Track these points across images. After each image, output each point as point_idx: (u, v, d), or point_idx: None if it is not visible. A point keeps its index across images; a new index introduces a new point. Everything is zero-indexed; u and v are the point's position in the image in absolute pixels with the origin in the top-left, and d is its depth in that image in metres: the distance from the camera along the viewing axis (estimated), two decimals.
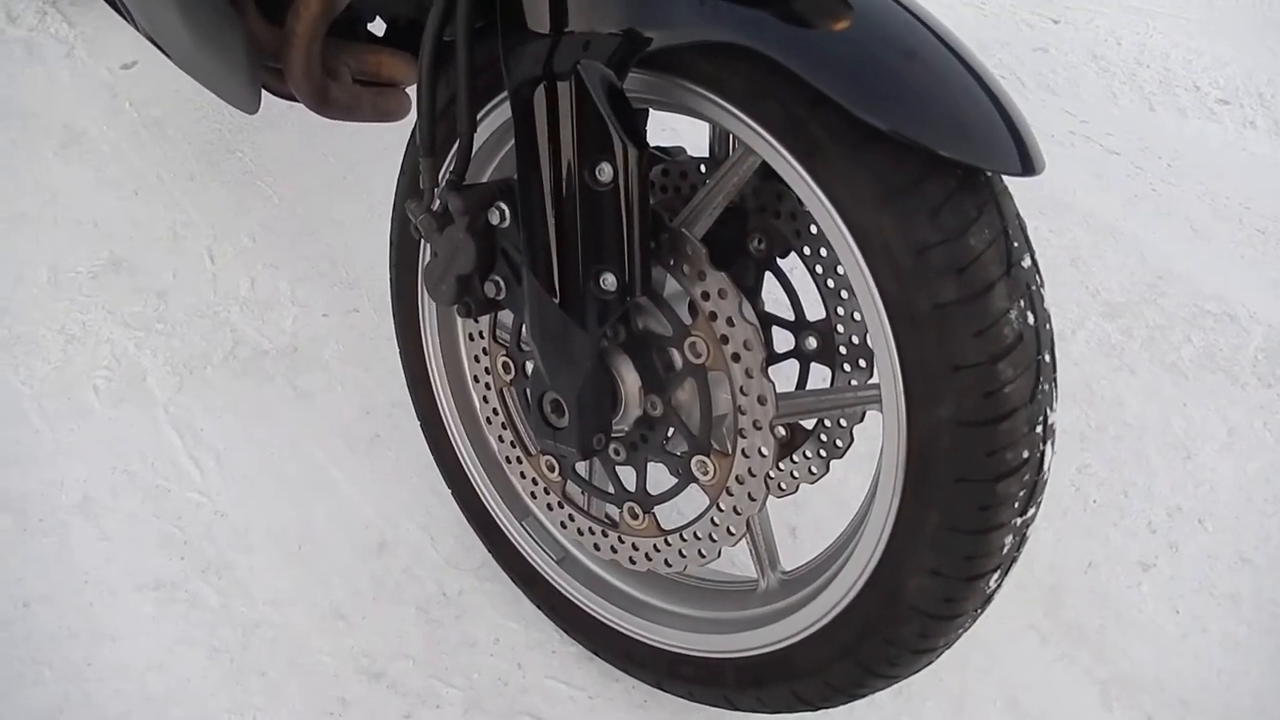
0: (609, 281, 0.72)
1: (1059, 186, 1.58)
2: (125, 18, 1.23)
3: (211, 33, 1.00)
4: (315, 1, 1.02)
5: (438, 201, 0.83)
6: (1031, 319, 0.65)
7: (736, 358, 0.74)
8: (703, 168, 0.89)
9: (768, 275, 0.92)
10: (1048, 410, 0.67)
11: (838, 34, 0.66)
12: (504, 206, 0.78)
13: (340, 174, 1.58)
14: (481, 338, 0.93)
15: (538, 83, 0.69)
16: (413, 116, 1.20)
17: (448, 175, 0.82)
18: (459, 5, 0.78)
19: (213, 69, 1.06)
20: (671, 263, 0.76)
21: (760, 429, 0.75)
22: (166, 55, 1.17)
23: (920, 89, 0.65)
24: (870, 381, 0.85)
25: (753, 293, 0.92)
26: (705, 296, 0.74)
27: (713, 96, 0.70)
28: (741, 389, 0.74)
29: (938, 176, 0.64)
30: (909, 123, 0.63)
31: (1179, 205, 1.59)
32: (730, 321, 0.73)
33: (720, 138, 0.89)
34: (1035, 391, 0.65)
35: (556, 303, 0.75)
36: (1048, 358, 0.67)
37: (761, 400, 0.74)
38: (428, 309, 1.01)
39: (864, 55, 0.65)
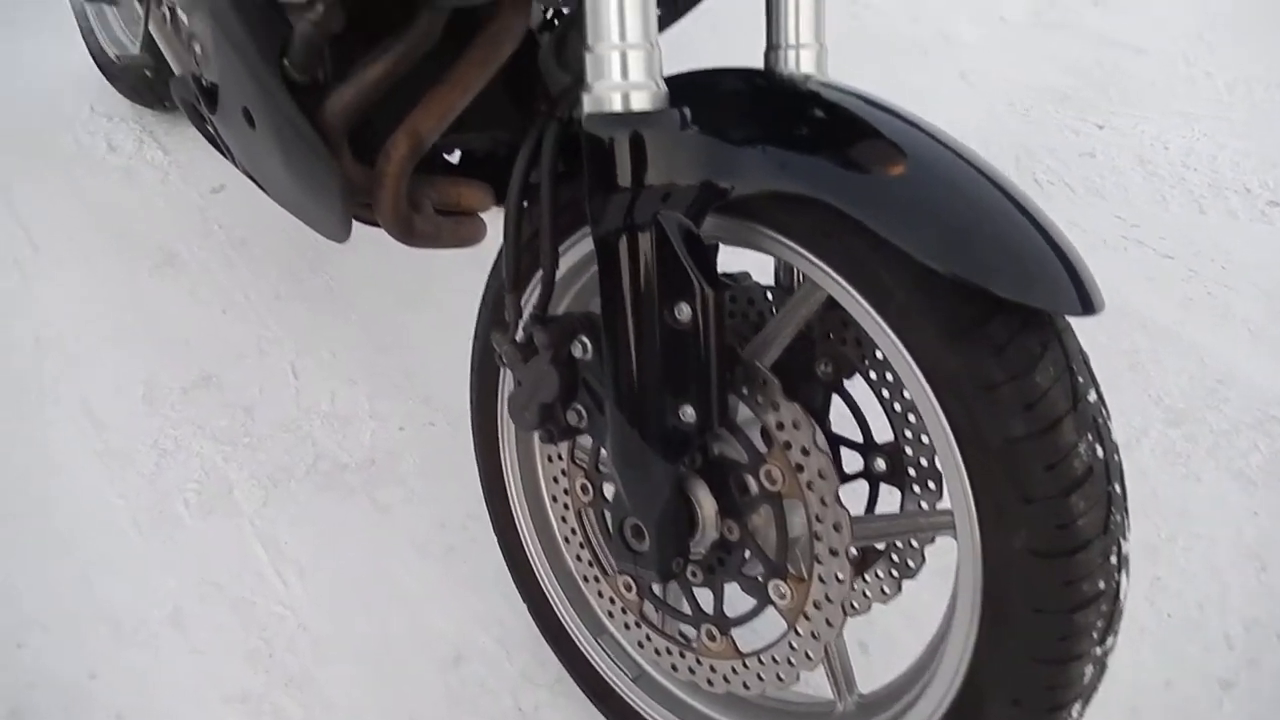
0: (688, 414, 0.76)
1: (1114, 292, 1.57)
2: (223, 154, 1.34)
3: (309, 174, 1.08)
4: (404, 144, 1.10)
5: (521, 333, 0.88)
6: (1100, 451, 0.68)
7: (811, 486, 0.77)
8: (769, 295, 0.94)
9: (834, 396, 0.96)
10: (1121, 541, 0.68)
11: (896, 179, 0.71)
12: (586, 340, 0.83)
13: (414, 292, 1.66)
14: (560, 459, 0.97)
15: (621, 232, 0.74)
16: (486, 242, 1.29)
17: (530, 308, 0.88)
18: (544, 154, 0.85)
19: (307, 205, 1.15)
20: (745, 392, 0.80)
21: (836, 555, 0.77)
22: (261, 189, 1.27)
23: (978, 232, 0.69)
24: (941, 506, 0.87)
25: (821, 415, 0.95)
26: (779, 426, 0.77)
27: (783, 239, 0.75)
28: (817, 516, 0.77)
29: (1002, 316, 0.67)
30: (970, 267, 0.67)
31: (1236, 308, 1.60)
32: (804, 451, 0.76)
33: (786, 268, 0.93)
34: (1108, 523, 0.67)
35: (638, 434, 0.79)
36: (1118, 489, 0.69)
37: (837, 527, 0.76)
38: (507, 430, 1.05)
39: (922, 200, 0.70)
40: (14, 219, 1.80)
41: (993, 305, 0.67)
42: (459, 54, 1.11)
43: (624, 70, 0.72)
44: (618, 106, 0.73)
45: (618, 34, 0.72)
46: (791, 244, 0.75)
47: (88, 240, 1.77)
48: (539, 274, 0.89)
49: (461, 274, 1.45)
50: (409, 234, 1.17)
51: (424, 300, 1.65)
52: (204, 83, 1.29)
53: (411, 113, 1.10)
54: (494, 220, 1.31)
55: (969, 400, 0.67)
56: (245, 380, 1.51)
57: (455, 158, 1.33)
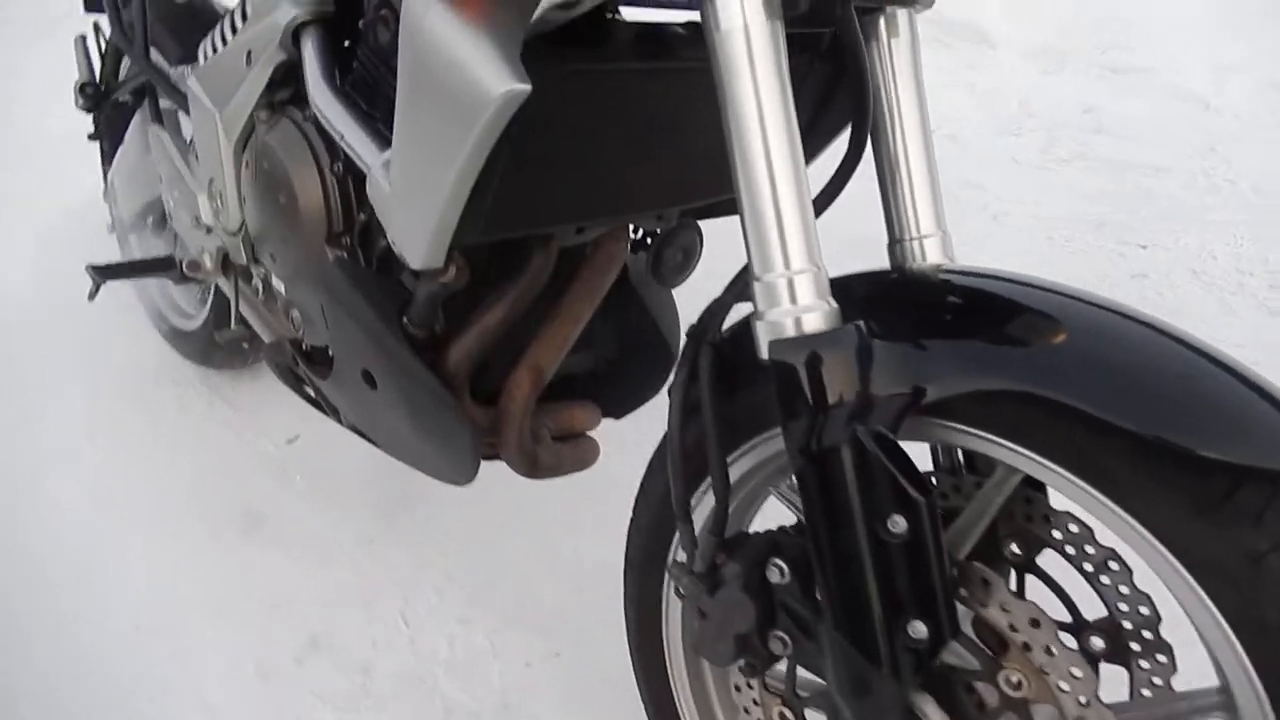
0: (919, 630, 0.72)
1: None
2: (324, 411, 1.34)
3: (437, 427, 1.07)
4: (526, 382, 1.11)
5: (701, 562, 0.85)
6: None
7: (1064, 687, 0.72)
8: (957, 485, 0.91)
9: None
10: None
11: (1093, 357, 0.70)
12: (781, 563, 0.80)
13: (508, 515, 1.63)
14: (750, 688, 0.92)
15: (822, 453, 0.73)
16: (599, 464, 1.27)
17: (706, 534, 0.86)
18: (702, 378, 0.85)
19: (432, 455, 1.13)
20: (966, 594, 0.76)
21: None
22: (373, 443, 1.26)
23: (1195, 400, 0.68)
24: (1206, 686, 0.81)
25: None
26: (1013, 628, 0.73)
27: (981, 434, 0.74)
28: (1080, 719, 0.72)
29: (1251, 483, 0.65)
30: (1204, 440, 0.65)
31: None
32: (1049, 650, 0.72)
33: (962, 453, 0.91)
34: None
35: (864, 658, 0.74)
36: None
37: None
38: (676, 664, 1.00)
39: (1126, 372, 0.69)
40: (91, 502, 1.79)
41: (1237, 473, 0.64)
42: (566, 286, 1.13)
43: (794, 295, 0.73)
44: (791, 331, 0.73)
45: (782, 263, 0.73)
46: (992, 437, 0.73)
47: (172, 512, 1.75)
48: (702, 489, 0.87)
49: (549, 494, 1.43)
50: (534, 468, 1.16)
51: (518, 526, 1.62)
52: (305, 348, 1.31)
53: (530, 349, 1.12)
54: (600, 436, 1.31)
55: (1235, 577, 0.64)
56: (356, 636, 1.46)
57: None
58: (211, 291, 1.81)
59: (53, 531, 1.69)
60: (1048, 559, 0.89)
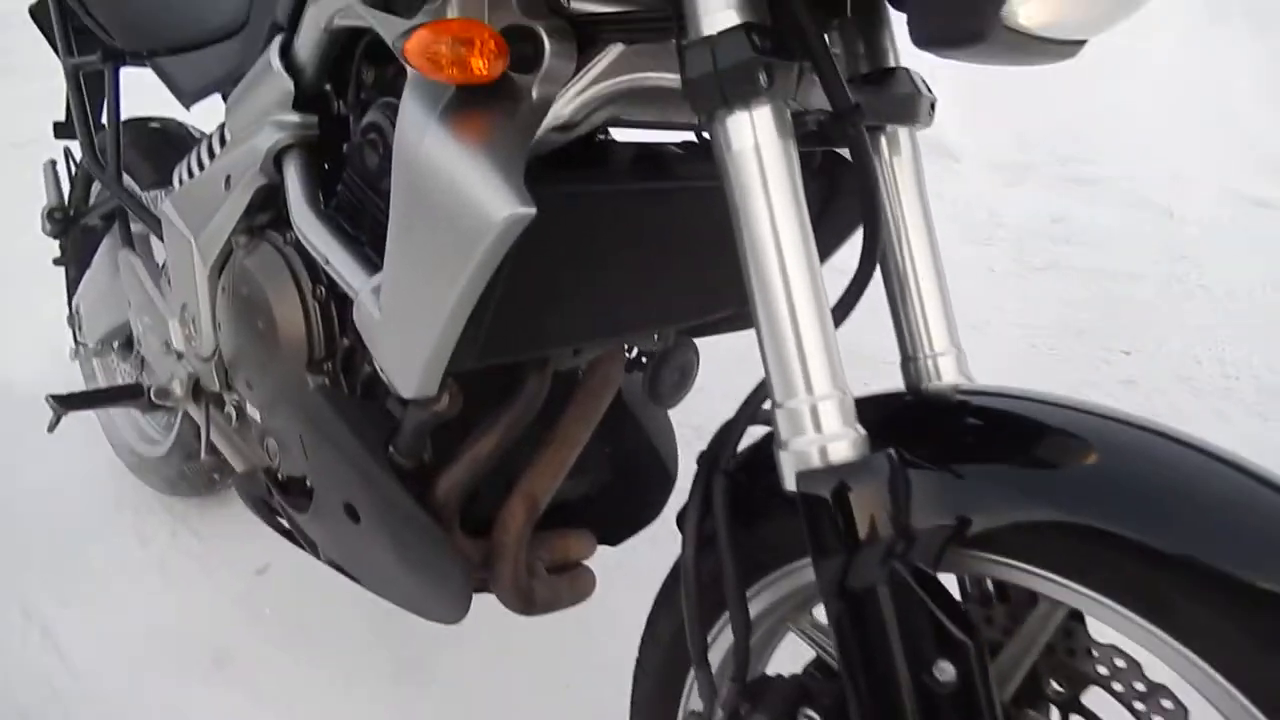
0: None
1: None
2: (300, 545, 1.26)
3: (425, 563, 1.00)
4: (521, 512, 1.05)
5: (722, 712, 0.78)
6: None
7: None
8: (991, 621, 0.86)
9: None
10: None
11: (1146, 485, 0.66)
12: (813, 714, 0.74)
13: (495, 651, 1.54)
14: None
15: (858, 593, 0.67)
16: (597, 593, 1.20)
17: (727, 679, 0.79)
18: (717, 511, 0.80)
19: (417, 592, 1.06)
20: None
21: None
22: (353, 579, 1.18)
23: (1246, 523, 0.64)
24: None
25: None
26: None
27: (1025, 566, 0.69)
28: None
29: None
30: (1263, 569, 0.61)
31: None
32: None
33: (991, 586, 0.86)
34: None
35: None
36: None
37: None
38: None
39: (1184, 504, 0.65)
40: (48, 645, 1.66)
41: None
42: (561, 410, 1.08)
43: (819, 423, 0.69)
44: (817, 460, 0.69)
45: (804, 388, 0.69)
46: (1037, 570, 0.68)
47: (133, 654, 1.63)
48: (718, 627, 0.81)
49: (540, 627, 1.34)
50: (530, 605, 1.09)
51: (506, 664, 1.52)
52: (280, 478, 1.24)
53: (523, 476, 1.06)
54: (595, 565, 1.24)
55: None
56: None
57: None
58: (179, 417, 1.74)
59: (3, 673, 1.57)
60: (1093, 696, 0.83)
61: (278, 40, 1.05)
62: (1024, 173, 2.70)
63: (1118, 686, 0.82)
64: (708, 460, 0.82)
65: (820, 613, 0.87)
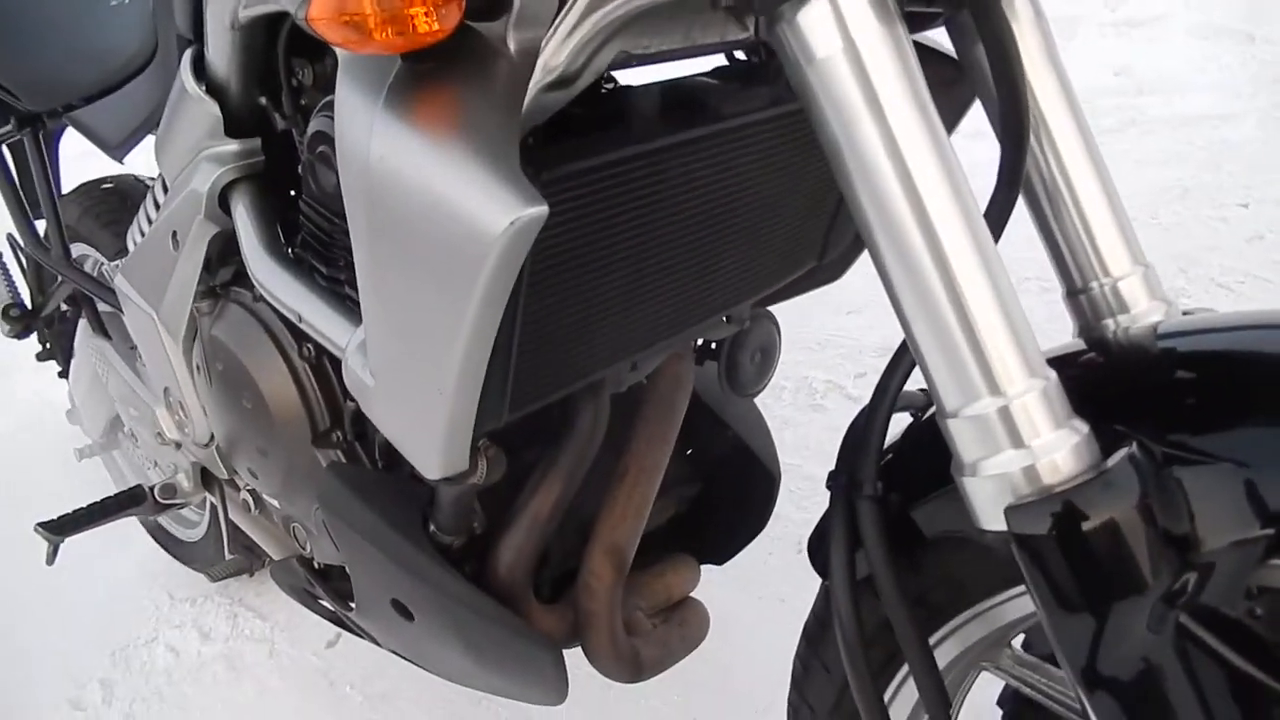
0: None
1: None
2: (358, 634, 1.08)
3: (502, 653, 0.81)
4: (607, 571, 0.84)
5: None
6: None
7: None
8: None
9: None
10: None
11: None
12: None
13: (599, 693, 1.36)
14: None
15: (1130, 660, 0.46)
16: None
17: None
18: (870, 548, 0.58)
19: (503, 682, 0.87)
20: None
21: None
22: (429, 671, 0.99)
23: None
24: None
25: None
26: None
27: None
28: None
29: None
30: None
31: None
32: None
33: None
34: None
35: None
36: None
37: None
38: None
39: None
40: None
41: None
42: (630, 433, 0.87)
43: (1021, 432, 0.47)
44: (1026, 487, 0.47)
45: (987, 385, 0.47)
46: None
47: None
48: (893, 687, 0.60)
49: None
50: (638, 671, 0.89)
51: (623, 698, 1.34)
52: (317, 565, 1.06)
53: (600, 523, 0.86)
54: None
55: None
56: None
57: None
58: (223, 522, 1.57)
59: None
60: None
61: (188, 57, 0.84)
62: (1071, 26, 2.39)
63: None
64: (843, 481, 0.61)
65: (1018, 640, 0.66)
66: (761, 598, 1.49)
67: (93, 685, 1.67)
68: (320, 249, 0.77)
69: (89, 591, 1.85)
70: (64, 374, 1.64)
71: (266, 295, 0.78)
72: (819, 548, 0.68)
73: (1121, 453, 0.46)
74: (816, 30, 0.46)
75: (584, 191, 0.59)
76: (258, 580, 1.83)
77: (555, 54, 0.57)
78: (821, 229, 0.87)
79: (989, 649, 0.66)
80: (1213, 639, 0.45)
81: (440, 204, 0.51)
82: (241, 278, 0.93)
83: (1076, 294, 0.64)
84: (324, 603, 1.09)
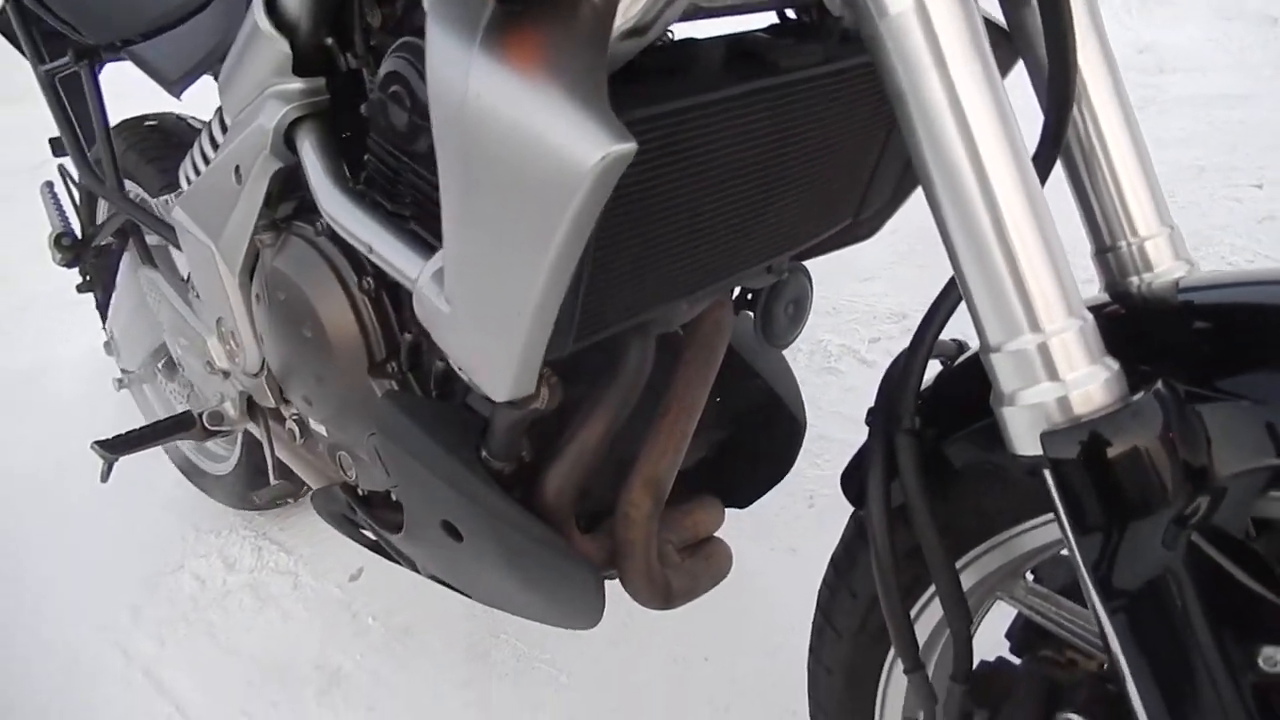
0: None
1: None
2: (395, 559, 1.14)
3: (546, 574, 0.86)
4: (645, 500, 0.90)
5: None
6: None
7: None
8: None
9: None
10: None
11: None
12: (1074, 717, 0.58)
13: (621, 629, 1.42)
14: None
15: (1149, 577, 0.51)
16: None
17: (949, 679, 0.64)
18: (907, 481, 0.64)
19: (541, 602, 0.93)
20: None
21: None
22: (465, 595, 1.05)
23: None
24: None
25: None
26: None
27: None
28: None
29: None
30: None
31: None
32: None
33: None
34: None
35: None
36: None
37: None
38: None
39: None
40: (153, 688, 1.59)
41: None
42: (671, 373, 0.92)
43: (1058, 365, 0.52)
44: (1059, 417, 0.52)
45: (1028, 322, 0.52)
46: None
47: (242, 686, 1.54)
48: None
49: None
50: (669, 598, 0.94)
51: (637, 644, 1.41)
52: (361, 493, 1.11)
53: (641, 458, 0.91)
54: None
55: None
56: None
57: None
58: (240, 432, 1.62)
59: None
60: None
61: None
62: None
63: None
64: (882, 416, 0.66)
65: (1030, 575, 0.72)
66: (774, 549, 1.55)
67: (120, 609, 1.73)
68: (386, 185, 0.81)
69: (116, 524, 1.91)
70: (101, 306, 1.69)
71: (336, 228, 0.82)
72: (854, 478, 0.73)
73: (1148, 389, 0.51)
74: None
75: (656, 134, 0.63)
76: (281, 514, 1.89)
77: (631, 4, 0.61)
78: (860, 187, 0.91)
79: (1005, 579, 0.71)
80: (1219, 555, 0.50)
81: (535, 138, 0.55)
82: (303, 212, 0.97)
83: (1105, 251, 0.68)
84: (364, 531, 1.15)
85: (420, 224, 0.78)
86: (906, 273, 1.83)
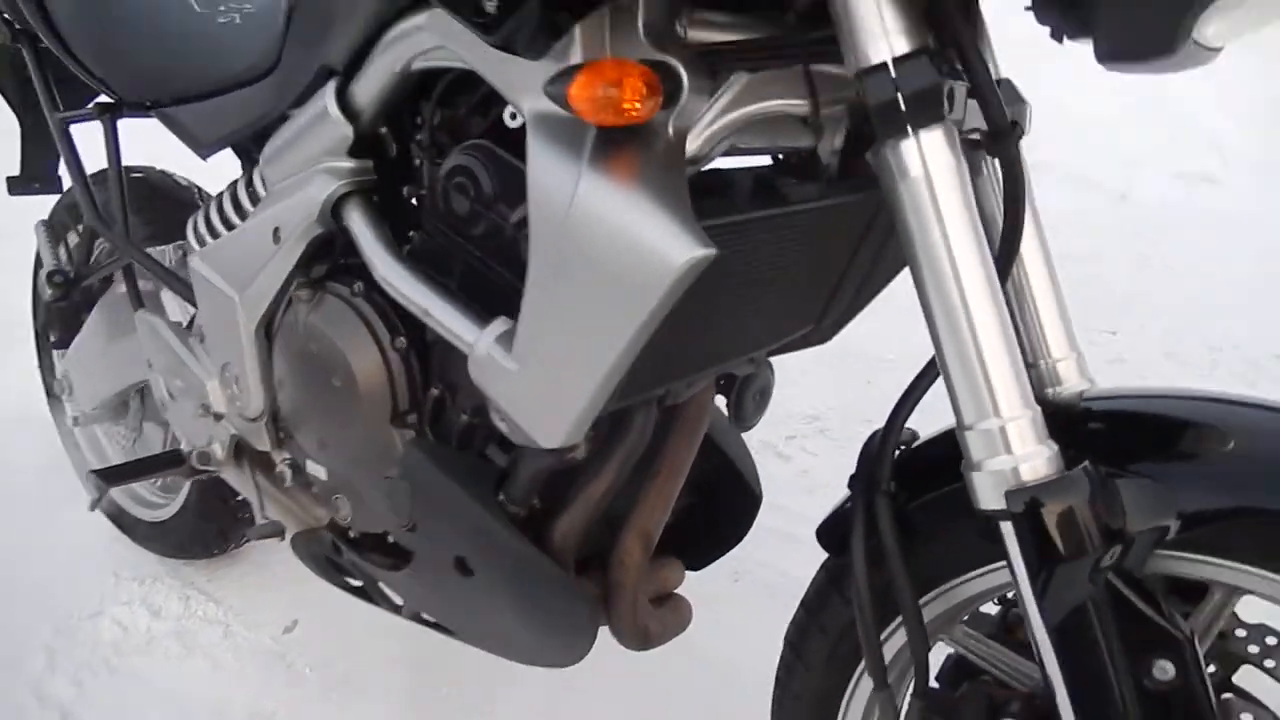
0: None
1: None
2: (373, 601, 1.22)
3: (548, 612, 0.98)
4: (637, 549, 1.03)
5: None
6: None
7: None
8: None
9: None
10: None
11: None
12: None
13: (556, 685, 1.51)
14: None
15: (1075, 605, 0.68)
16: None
17: (909, 694, 0.79)
18: (884, 533, 0.80)
19: (532, 638, 1.03)
20: None
21: None
22: (448, 634, 1.14)
23: None
24: None
25: None
26: None
27: (1213, 560, 0.71)
28: None
29: None
30: None
31: None
32: None
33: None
34: None
35: None
36: None
37: None
38: None
39: None
40: None
41: None
42: (663, 441, 1.07)
43: (1013, 443, 0.70)
44: (1012, 482, 0.70)
45: (992, 409, 0.70)
46: (1222, 561, 0.71)
47: None
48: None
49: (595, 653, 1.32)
50: (646, 640, 1.07)
51: (573, 699, 1.50)
52: (352, 535, 1.20)
53: (635, 512, 1.05)
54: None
55: None
56: None
57: None
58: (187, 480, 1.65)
59: None
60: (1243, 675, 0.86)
61: (332, 85, 1.00)
62: None
63: (1270, 664, 0.85)
64: (864, 481, 0.82)
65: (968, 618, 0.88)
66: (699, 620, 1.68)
67: (34, 652, 1.70)
68: (435, 259, 0.94)
69: (26, 570, 1.87)
70: (58, 345, 1.71)
71: (392, 292, 0.95)
72: (832, 532, 0.89)
73: (1078, 466, 0.69)
74: (911, 155, 0.69)
75: (719, 241, 0.80)
76: (209, 565, 1.90)
77: (695, 140, 0.79)
78: (823, 298, 1.10)
79: (945, 623, 0.88)
80: (1127, 589, 0.68)
81: (628, 239, 0.71)
82: (337, 273, 1.09)
83: (1028, 366, 0.88)
84: (345, 574, 1.23)
85: (467, 294, 0.92)
86: (818, 379, 2.04)
